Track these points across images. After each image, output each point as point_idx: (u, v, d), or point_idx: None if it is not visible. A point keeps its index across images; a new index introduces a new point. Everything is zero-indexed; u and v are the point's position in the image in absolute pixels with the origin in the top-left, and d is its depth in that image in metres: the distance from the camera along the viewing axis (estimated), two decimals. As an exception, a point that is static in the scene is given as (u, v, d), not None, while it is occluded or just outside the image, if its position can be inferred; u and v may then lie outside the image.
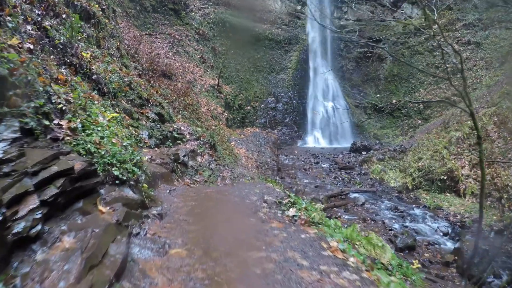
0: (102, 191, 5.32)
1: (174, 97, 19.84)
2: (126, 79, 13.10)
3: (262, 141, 29.67)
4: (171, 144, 13.04)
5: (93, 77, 10.42)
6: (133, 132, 10.64)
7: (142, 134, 11.51)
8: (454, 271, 11.40)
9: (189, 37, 31.82)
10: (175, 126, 14.61)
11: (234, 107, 31.87)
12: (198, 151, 13.77)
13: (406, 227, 14.62)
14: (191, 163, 12.23)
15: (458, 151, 19.71)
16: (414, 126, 33.17)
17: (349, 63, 39.73)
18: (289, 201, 7.44)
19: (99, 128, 6.41)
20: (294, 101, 35.78)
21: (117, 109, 10.90)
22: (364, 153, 28.31)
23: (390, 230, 14.22)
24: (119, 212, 4.97)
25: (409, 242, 12.78)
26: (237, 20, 36.19)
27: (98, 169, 5.46)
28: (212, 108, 25.73)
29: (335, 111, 35.32)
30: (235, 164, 18.89)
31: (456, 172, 18.23)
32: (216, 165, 14.17)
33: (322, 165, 25.87)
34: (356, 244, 6.21)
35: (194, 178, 11.58)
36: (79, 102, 6.65)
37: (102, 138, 6.19)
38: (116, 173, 5.79)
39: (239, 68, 35.12)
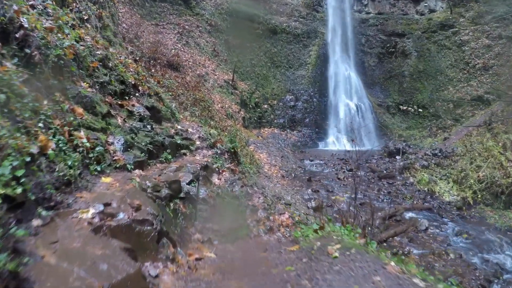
0: None
1: (181, 91, 14.49)
2: (98, 52, 7.30)
3: (282, 144, 24.63)
4: (169, 157, 7.09)
5: (17, 35, 5.13)
6: (82, 141, 4.79)
7: (112, 143, 5.62)
8: None
9: (200, 28, 26.51)
10: (179, 127, 8.78)
11: (250, 105, 26.51)
12: (214, 166, 7.85)
13: (487, 261, 10.89)
14: (203, 194, 6.31)
15: None
16: (444, 127, 28.15)
17: (371, 59, 34.24)
18: None
19: None
20: (314, 99, 30.25)
21: (58, 94, 5.10)
22: (398, 157, 22.73)
23: (474, 269, 10.30)
24: None
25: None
26: (252, 11, 30.82)
27: None
28: (227, 106, 20.50)
29: (359, 110, 30.12)
30: (258, 175, 13.56)
31: None
32: (242, 186, 8.22)
33: (357, 172, 19.95)
34: None
35: (207, 232, 5.66)
36: None
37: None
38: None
39: (255, 63, 29.74)
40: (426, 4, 33.92)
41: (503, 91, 24.24)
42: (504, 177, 14.92)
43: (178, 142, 7.69)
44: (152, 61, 15.61)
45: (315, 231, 5.97)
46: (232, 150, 9.48)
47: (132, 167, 5.61)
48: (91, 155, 4.93)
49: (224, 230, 5.94)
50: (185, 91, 15.04)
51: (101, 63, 7.25)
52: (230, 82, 23.82)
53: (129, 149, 5.93)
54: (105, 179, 4.84)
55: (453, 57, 30.24)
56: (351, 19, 33.96)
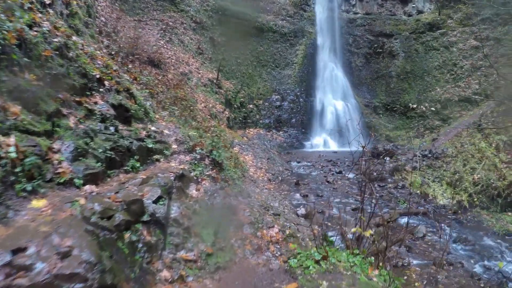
0: None
1: (161, 89, 13.17)
2: (55, 40, 5.99)
3: (268, 145, 23.40)
4: (137, 164, 5.74)
5: None
6: (8, 150, 3.43)
7: (59, 151, 4.27)
8: None
9: (185, 25, 25.14)
10: (152, 128, 7.39)
11: (235, 105, 25.26)
12: (192, 174, 6.53)
13: (489, 269, 10.17)
14: (175, 212, 4.98)
15: (509, 158, 15.27)
16: (431, 128, 27.41)
17: (358, 59, 33.32)
18: None
19: None
20: (301, 99, 29.12)
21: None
22: (387, 158, 21.54)
23: (478, 280, 9.49)
24: None
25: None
26: (239, 9, 29.50)
27: None
28: (211, 105, 19.16)
29: (346, 111, 29.17)
30: (243, 180, 12.32)
31: None
32: (225, 197, 6.94)
33: (346, 174, 18.95)
34: None
35: (179, 266, 4.32)
36: None
37: None
38: None
39: (240, 62, 28.47)
40: (414, 5, 33.28)
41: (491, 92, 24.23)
42: (500, 179, 14.30)
43: (150, 146, 6.34)
44: (130, 57, 14.33)
45: (317, 262, 4.69)
46: (215, 156, 8.16)
47: (82, 182, 4.27)
48: (18, 168, 3.55)
49: (202, 259, 4.63)
50: (165, 89, 13.76)
51: (57, 52, 5.90)
52: (215, 81, 22.55)
53: (80, 158, 4.60)
54: (37, 203, 3.47)
55: (440, 58, 29.57)
56: (338, 19, 33.02)
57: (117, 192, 4.42)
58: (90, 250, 3.05)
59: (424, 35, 30.87)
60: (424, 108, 26.45)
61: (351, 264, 4.78)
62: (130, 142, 5.91)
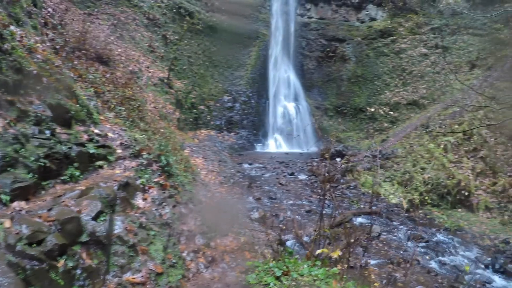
0: None
1: (108, 88, 12.31)
2: None
3: (219, 147, 22.92)
4: (77, 173, 5.12)
5: None
6: None
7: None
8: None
9: (137, 21, 24.13)
10: (95, 131, 6.72)
11: (186, 106, 24.51)
12: (138, 182, 5.97)
13: (445, 264, 10.79)
14: (119, 228, 4.42)
15: (457, 158, 16.21)
16: (381, 129, 28.12)
17: (311, 62, 33.66)
18: None
19: None
20: (252, 101, 28.75)
21: None
22: (338, 159, 21.73)
23: (435, 275, 9.93)
24: None
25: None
26: (194, 7, 28.85)
27: None
28: (160, 105, 18.48)
29: (297, 113, 29.43)
30: (194, 184, 11.82)
31: (462, 183, 14.75)
32: (174, 206, 6.43)
33: (299, 176, 18.97)
34: None
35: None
36: None
37: None
38: None
39: (192, 61, 27.69)
40: (367, 13, 33.97)
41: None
42: (449, 178, 14.93)
43: (92, 151, 5.71)
44: (77, 52, 13.26)
45: (278, 278, 4.30)
46: (164, 161, 7.59)
47: (9, 198, 3.62)
48: None
49: (151, 280, 4.12)
50: (113, 88, 12.88)
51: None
52: (165, 80, 21.78)
53: (8, 169, 3.95)
54: None
55: (390, 63, 30.39)
56: (293, 23, 33.12)
57: (50, 209, 3.79)
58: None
59: (375, 41, 31.64)
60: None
61: (314, 278, 4.45)
62: (69, 148, 5.26)
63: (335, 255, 4.60)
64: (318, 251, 4.76)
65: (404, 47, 29.90)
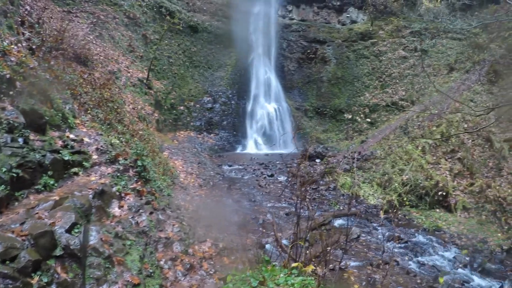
0: None
1: (85, 89, 12.09)
2: None
3: (198, 148, 22.82)
4: (51, 181, 4.99)
5: None
6: None
7: None
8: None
9: (117, 20, 23.71)
10: (71, 136, 6.58)
11: (166, 107, 24.35)
12: (114, 189, 5.87)
13: (424, 264, 10.96)
14: (94, 239, 4.34)
15: (435, 159, 16.49)
16: (360, 130, 28.37)
17: (291, 63, 33.79)
18: None
19: None
20: (233, 102, 28.71)
21: None
22: (318, 161, 22.14)
23: (414, 276, 10.08)
24: None
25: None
26: (175, 6, 28.66)
27: None
28: (139, 107, 18.22)
29: (277, 114, 29.44)
30: (173, 187, 11.76)
31: (440, 184, 15.08)
32: (151, 213, 6.34)
33: (278, 178, 18.96)
34: None
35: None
36: None
37: None
38: None
39: (172, 62, 27.47)
40: (348, 15, 34.57)
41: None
42: (427, 179, 15.26)
43: (66, 158, 5.57)
44: (54, 52, 12.82)
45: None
46: (140, 167, 7.47)
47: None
48: None
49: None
50: (90, 89, 12.62)
51: None
52: (145, 81, 21.51)
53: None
54: None
55: (370, 65, 30.84)
56: (274, 24, 33.09)
57: (23, 223, 3.68)
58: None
59: (356, 43, 32.08)
60: (351, 116, 27.52)
61: (290, 287, 4.44)
62: (43, 156, 5.12)
63: (309, 269, 4.59)
64: (294, 265, 4.74)
65: (384, 49, 30.37)
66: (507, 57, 18.27)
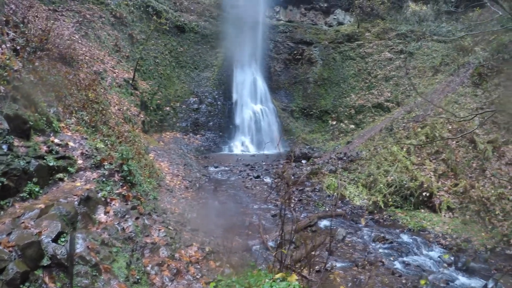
0: None
1: (70, 90, 11.90)
2: None
3: (184, 149, 22.81)
4: (37, 188, 4.95)
5: None
6: None
7: None
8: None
9: (103, 19, 23.36)
10: (55, 140, 6.52)
11: (152, 108, 24.17)
12: (100, 195, 5.85)
13: (409, 264, 11.04)
14: (81, 247, 4.32)
15: (419, 160, 16.59)
16: (346, 131, 28.62)
17: (278, 64, 33.72)
18: None
19: None
20: (219, 102, 28.67)
21: None
22: (304, 161, 22.14)
23: (399, 276, 10.09)
24: None
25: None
26: (162, 6, 28.47)
27: None
28: (125, 108, 17.90)
29: (263, 115, 29.39)
30: (159, 189, 11.71)
31: (425, 185, 15.18)
32: (137, 218, 6.32)
33: (264, 179, 18.92)
34: None
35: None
36: None
37: None
38: None
39: (159, 62, 27.30)
40: (335, 17, 34.76)
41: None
42: (412, 180, 15.36)
43: (51, 164, 5.53)
44: (39, 52, 12.39)
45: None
46: (126, 171, 7.42)
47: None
48: None
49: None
50: (75, 90, 12.40)
51: None
52: (131, 82, 21.22)
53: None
54: None
55: (356, 67, 30.94)
56: (261, 24, 32.98)
57: (9, 233, 3.65)
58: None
59: (342, 45, 32.18)
60: (336, 123, 27.72)
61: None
62: (27, 162, 5.09)
63: (292, 280, 4.62)
64: (277, 276, 4.77)
65: (370, 51, 30.56)
66: (491, 60, 18.45)
